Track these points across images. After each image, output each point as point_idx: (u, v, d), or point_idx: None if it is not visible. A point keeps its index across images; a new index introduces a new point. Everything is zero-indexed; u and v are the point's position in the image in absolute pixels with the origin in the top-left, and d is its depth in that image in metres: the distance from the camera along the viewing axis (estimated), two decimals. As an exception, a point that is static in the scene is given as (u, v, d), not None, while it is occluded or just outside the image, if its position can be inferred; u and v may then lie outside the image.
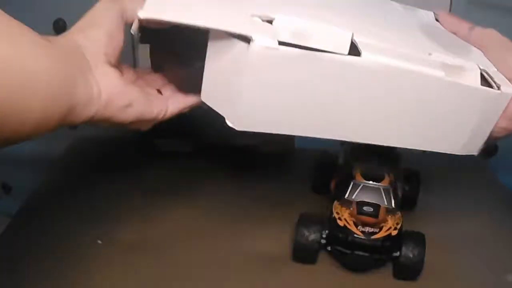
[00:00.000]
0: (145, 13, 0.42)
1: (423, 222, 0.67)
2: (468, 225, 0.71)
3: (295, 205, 0.70)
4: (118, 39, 0.46)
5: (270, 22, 0.43)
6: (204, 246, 0.65)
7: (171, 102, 0.48)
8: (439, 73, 0.46)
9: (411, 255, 0.59)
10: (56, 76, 0.39)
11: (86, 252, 0.62)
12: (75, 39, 0.44)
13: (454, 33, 0.58)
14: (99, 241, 0.64)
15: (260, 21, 0.44)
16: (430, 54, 0.49)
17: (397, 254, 0.59)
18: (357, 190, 0.63)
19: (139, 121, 0.46)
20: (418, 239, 0.60)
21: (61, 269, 0.60)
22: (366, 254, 0.59)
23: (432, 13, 0.63)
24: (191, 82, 0.48)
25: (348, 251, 0.59)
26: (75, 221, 0.66)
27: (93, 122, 0.44)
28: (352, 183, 0.64)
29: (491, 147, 0.93)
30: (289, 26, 0.43)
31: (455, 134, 0.53)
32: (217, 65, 0.45)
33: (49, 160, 0.86)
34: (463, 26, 0.58)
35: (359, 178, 0.64)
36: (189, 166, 0.81)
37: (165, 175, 0.79)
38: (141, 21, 0.45)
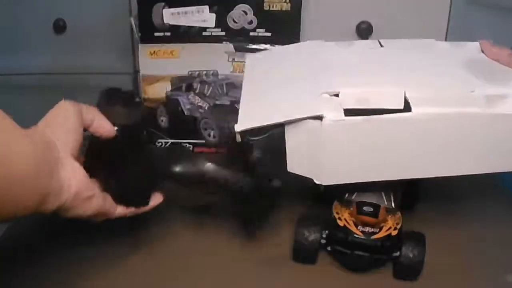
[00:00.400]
0: (240, 127, 0.57)
1: (423, 222, 0.67)
2: (468, 225, 0.71)
3: (295, 205, 0.70)
4: (78, 138, 0.51)
5: (337, 95, 0.54)
6: (204, 246, 0.65)
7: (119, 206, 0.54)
8: (479, 109, 0.54)
9: (411, 255, 0.59)
10: (36, 166, 0.44)
11: (86, 252, 0.62)
12: (46, 132, 0.48)
13: (497, 61, 0.63)
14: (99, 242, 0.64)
15: (329, 96, 0.55)
16: (472, 91, 0.55)
17: (397, 254, 0.59)
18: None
19: (98, 213, 0.51)
20: (418, 239, 0.60)
21: (62, 269, 0.60)
22: (366, 254, 0.59)
23: (478, 44, 0.67)
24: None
25: (348, 251, 0.59)
26: (75, 221, 0.66)
27: (61, 211, 0.48)
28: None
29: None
30: (352, 96, 0.54)
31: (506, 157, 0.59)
32: (296, 142, 0.56)
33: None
34: (503, 53, 0.62)
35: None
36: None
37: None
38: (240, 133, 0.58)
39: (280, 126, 0.55)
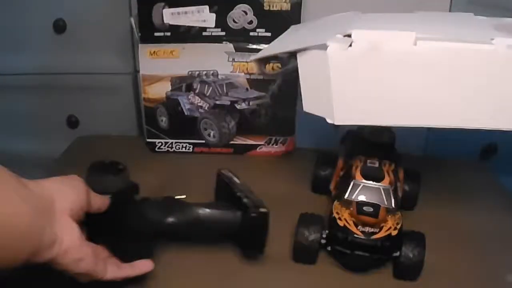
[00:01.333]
0: (255, 56, 0.60)
1: (423, 222, 0.67)
2: (468, 225, 0.71)
3: (295, 205, 0.70)
4: (83, 205, 0.53)
5: (349, 36, 0.53)
6: (204, 246, 0.65)
7: (110, 270, 0.54)
8: (493, 48, 0.50)
9: (411, 255, 0.59)
10: (29, 221, 0.46)
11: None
12: (50, 188, 0.50)
13: None
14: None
15: (341, 36, 0.53)
16: (492, 39, 0.51)
17: (397, 254, 0.59)
18: (357, 190, 0.63)
19: (87, 275, 0.52)
20: (418, 239, 0.60)
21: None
22: (366, 254, 0.59)
23: None
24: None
25: (348, 251, 0.59)
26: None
27: (52, 264, 0.49)
28: (352, 183, 0.64)
29: (491, 147, 0.93)
30: (363, 36, 0.52)
31: None
32: (308, 79, 0.55)
33: (49, 160, 0.86)
34: None
35: (359, 178, 0.64)
36: (189, 167, 0.81)
37: (164, 175, 0.79)
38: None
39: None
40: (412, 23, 0.62)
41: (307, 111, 0.56)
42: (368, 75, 0.53)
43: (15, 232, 0.44)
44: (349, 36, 0.52)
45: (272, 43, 0.66)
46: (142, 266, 0.58)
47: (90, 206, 0.54)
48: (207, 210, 0.61)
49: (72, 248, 0.50)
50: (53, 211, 0.49)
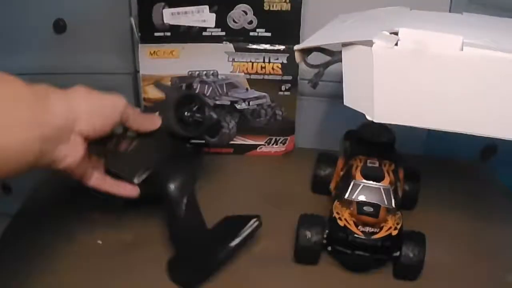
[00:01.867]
0: (298, 46, 0.59)
1: (423, 222, 0.67)
2: (468, 225, 0.71)
3: (295, 205, 0.70)
4: (107, 129, 0.55)
5: (396, 33, 0.52)
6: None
7: (94, 177, 0.58)
8: None
9: (411, 255, 0.59)
10: (31, 148, 0.47)
11: (86, 252, 0.62)
12: (77, 111, 0.52)
13: None
14: (99, 241, 0.64)
15: (388, 33, 0.53)
16: None
17: (397, 254, 0.59)
18: (357, 190, 0.63)
19: (72, 173, 0.55)
20: (418, 239, 0.60)
21: (62, 269, 0.60)
22: (367, 254, 0.59)
23: None
24: None
25: (348, 251, 0.59)
26: (75, 221, 0.66)
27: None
28: (352, 183, 0.64)
29: (491, 147, 0.93)
30: (410, 35, 0.52)
31: None
32: (351, 73, 0.55)
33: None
34: None
35: (359, 178, 0.64)
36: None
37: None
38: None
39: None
40: (460, 26, 0.62)
41: (347, 105, 0.57)
42: (411, 75, 0.53)
43: (13, 156, 0.45)
44: (396, 33, 0.52)
45: (317, 33, 0.65)
46: (128, 189, 0.59)
47: (130, 125, 0.58)
48: None
49: (70, 166, 0.52)
50: (68, 133, 0.51)
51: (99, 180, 0.59)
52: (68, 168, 0.53)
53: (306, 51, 0.63)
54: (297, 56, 0.61)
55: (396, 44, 0.52)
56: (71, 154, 0.51)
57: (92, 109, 0.53)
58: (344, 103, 0.57)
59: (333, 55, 0.61)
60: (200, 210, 0.61)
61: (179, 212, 0.59)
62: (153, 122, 0.61)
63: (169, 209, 0.60)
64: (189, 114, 0.64)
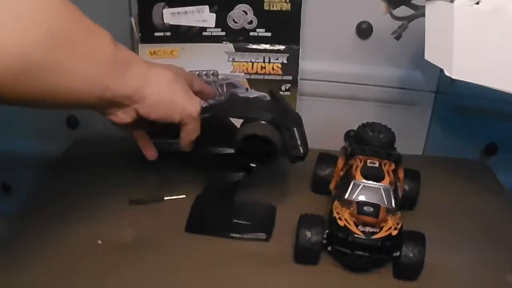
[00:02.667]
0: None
1: (423, 222, 0.67)
2: (468, 225, 0.71)
3: (295, 205, 0.70)
4: (156, 119, 0.57)
5: None
6: (205, 247, 0.65)
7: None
8: None
9: (411, 255, 0.59)
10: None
11: (86, 252, 0.62)
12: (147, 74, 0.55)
13: None
14: (99, 241, 0.64)
15: None
16: None
17: (397, 254, 0.59)
18: (357, 190, 0.63)
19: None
20: (418, 239, 0.60)
21: (61, 269, 0.60)
22: (367, 254, 0.59)
23: None
24: None
25: (348, 251, 0.59)
26: (75, 221, 0.66)
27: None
28: (352, 183, 0.64)
29: (491, 147, 0.93)
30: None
31: None
32: (433, 28, 0.57)
33: (49, 160, 0.86)
34: None
35: (359, 178, 0.64)
36: (188, 167, 0.81)
37: (164, 175, 0.79)
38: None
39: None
40: None
41: (427, 59, 0.58)
42: (491, 35, 0.53)
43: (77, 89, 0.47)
44: None
45: None
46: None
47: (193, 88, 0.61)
48: None
49: (115, 123, 0.56)
50: (125, 104, 0.53)
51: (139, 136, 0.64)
52: (115, 123, 0.56)
53: (393, 3, 0.62)
54: (383, 6, 0.64)
55: (477, 3, 0.52)
56: (120, 115, 0.54)
57: (159, 99, 0.54)
58: (425, 57, 0.58)
59: (417, 9, 0.61)
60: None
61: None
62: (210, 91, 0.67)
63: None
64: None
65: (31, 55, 0.42)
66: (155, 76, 0.54)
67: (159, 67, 0.56)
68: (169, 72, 0.56)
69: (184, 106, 0.57)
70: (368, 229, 0.59)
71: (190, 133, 0.60)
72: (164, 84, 0.54)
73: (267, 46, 0.80)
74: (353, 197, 0.63)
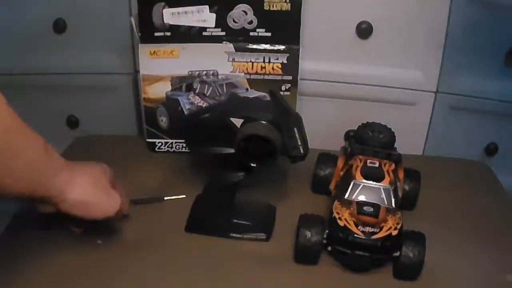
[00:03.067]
0: None
1: (423, 222, 0.67)
2: (468, 225, 0.71)
3: (295, 205, 0.70)
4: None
5: None
6: (205, 246, 0.65)
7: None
8: None
9: (411, 255, 0.59)
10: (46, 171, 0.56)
11: (86, 252, 0.62)
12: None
13: None
14: (99, 241, 0.64)
15: None
16: None
17: (397, 254, 0.59)
18: (357, 190, 0.63)
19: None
20: (418, 239, 0.60)
21: (61, 269, 0.60)
22: (367, 254, 0.59)
23: None
24: None
25: (348, 251, 0.59)
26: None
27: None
28: (352, 183, 0.64)
29: (491, 147, 0.93)
30: None
31: None
32: None
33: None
34: None
35: (359, 178, 0.64)
36: (188, 166, 0.81)
37: (164, 175, 0.79)
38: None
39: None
40: None
41: None
42: None
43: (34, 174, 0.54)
44: None
45: None
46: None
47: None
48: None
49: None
50: (51, 203, 0.57)
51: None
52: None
53: None
54: None
55: None
56: (45, 208, 0.58)
57: (80, 205, 0.58)
58: None
59: None
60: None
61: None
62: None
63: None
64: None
65: None
66: (79, 179, 0.58)
67: (84, 169, 0.61)
68: (92, 174, 0.61)
69: (104, 205, 0.60)
70: (368, 229, 0.59)
71: (116, 219, 0.63)
72: (87, 187, 0.59)
73: (267, 46, 0.80)
74: (353, 197, 0.63)
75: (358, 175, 0.64)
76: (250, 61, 0.80)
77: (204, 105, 0.83)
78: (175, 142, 0.86)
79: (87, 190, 0.59)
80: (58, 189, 0.56)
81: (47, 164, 0.56)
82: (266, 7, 0.78)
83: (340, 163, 0.72)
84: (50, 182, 0.56)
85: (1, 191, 0.51)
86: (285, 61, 0.80)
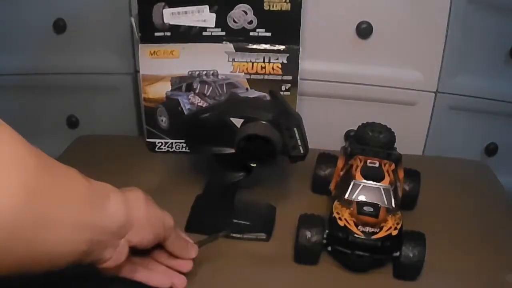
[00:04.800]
0: None
1: (423, 222, 0.67)
2: (468, 225, 0.71)
3: (295, 205, 0.70)
4: (152, 242, 0.52)
5: None
6: (205, 247, 0.65)
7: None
8: None
9: (411, 255, 0.59)
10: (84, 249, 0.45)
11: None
12: (133, 219, 0.49)
13: None
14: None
15: None
16: None
17: (397, 254, 0.59)
18: (357, 190, 0.63)
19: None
20: (418, 239, 0.60)
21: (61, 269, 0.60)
22: (367, 254, 0.59)
23: None
24: None
25: (348, 251, 0.59)
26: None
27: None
28: (352, 183, 0.64)
29: (491, 148, 0.93)
30: None
31: None
32: None
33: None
34: None
35: (359, 178, 0.64)
36: (188, 166, 0.81)
37: (164, 175, 0.79)
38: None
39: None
40: None
41: None
42: None
43: (55, 255, 0.43)
44: None
45: None
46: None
47: (166, 246, 0.54)
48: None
49: (110, 268, 0.49)
50: (118, 239, 0.48)
51: (129, 270, 0.54)
52: (106, 269, 0.49)
53: None
54: None
55: None
56: (114, 257, 0.48)
57: (147, 221, 0.50)
58: None
59: None
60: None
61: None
62: (188, 252, 0.57)
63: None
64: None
65: (11, 214, 0.38)
66: (132, 197, 0.50)
67: (128, 189, 0.51)
68: (139, 190, 0.52)
69: (164, 219, 0.53)
70: (368, 229, 0.59)
71: (175, 244, 0.55)
72: (142, 203, 0.51)
73: (267, 46, 0.80)
74: (353, 197, 0.63)
75: (358, 175, 0.64)
76: (250, 61, 0.80)
77: (204, 105, 0.83)
78: (175, 142, 0.86)
79: (145, 206, 0.50)
80: (119, 214, 0.47)
81: (92, 191, 0.46)
82: (266, 7, 0.78)
83: (340, 163, 0.72)
84: (107, 210, 0.46)
85: (56, 251, 0.42)
86: (285, 61, 0.80)
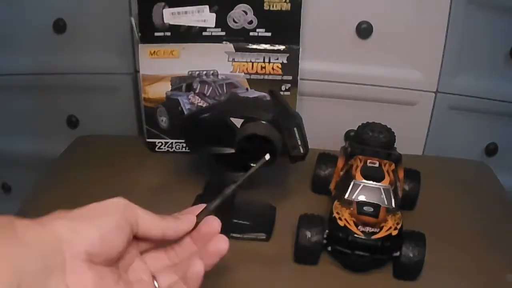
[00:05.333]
0: None
1: (423, 222, 0.67)
2: (467, 225, 0.71)
3: (295, 205, 0.70)
4: (112, 245, 0.42)
5: None
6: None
7: None
8: None
9: (411, 255, 0.59)
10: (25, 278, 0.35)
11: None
12: (60, 232, 0.40)
13: None
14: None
15: None
16: None
17: (397, 254, 0.59)
18: (357, 190, 0.63)
19: None
20: (418, 239, 0.60)
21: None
22: (367, 254, 0.59)
23: None
24: None
25: (348, 251, 0.59)
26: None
27: None
28: (352, 183, 0.64)
29: (491, 148, 0.93)
30: None
31: None
32: None
33: (49, 160, 0.86)
34: None
35: (359, 178, 0.64)
36: (188, 166, 0.81)
37: (164, 175, 0.79)
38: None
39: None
40: None
41: None
42: None
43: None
44: None
45: None
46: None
47: (139, 232, 0.45)
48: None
49: None
50: (59, 261, 0.39)
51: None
52: None
53: None
54: None
55: None
56: (76, 284, 0.38)
57: (79, 223, 0.42)
58: None
59: None
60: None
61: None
62: (181, 223, 0.49)
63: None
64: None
65: None
66: (46, 218, 0.42)
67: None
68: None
69: (107, 204, 0.46)
70: (368, 229, 0.59)
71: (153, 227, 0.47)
72: (60, 213, 0.44)
73: (267, 46, 0.80)
74: (353, 197, 0.63)
75: (358, 175, 0.64)
76: (250, 61, 0.80)
77: (204, 105, 0.83)
78: (175, 142, 0.86)
79: (66, 215, 0.43)
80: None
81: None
82: (266, 7, 0.78)
83: (340, 163, 0.72)
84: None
85: None
86: (285, 61, 0.80)
